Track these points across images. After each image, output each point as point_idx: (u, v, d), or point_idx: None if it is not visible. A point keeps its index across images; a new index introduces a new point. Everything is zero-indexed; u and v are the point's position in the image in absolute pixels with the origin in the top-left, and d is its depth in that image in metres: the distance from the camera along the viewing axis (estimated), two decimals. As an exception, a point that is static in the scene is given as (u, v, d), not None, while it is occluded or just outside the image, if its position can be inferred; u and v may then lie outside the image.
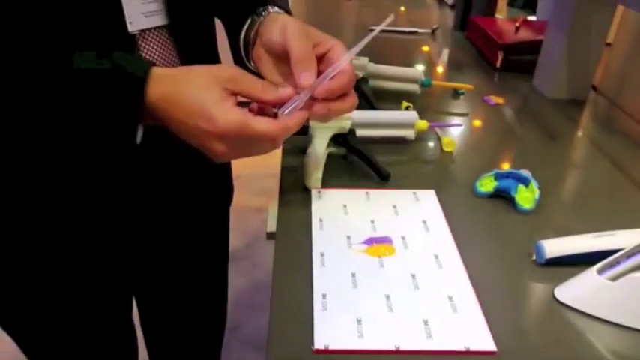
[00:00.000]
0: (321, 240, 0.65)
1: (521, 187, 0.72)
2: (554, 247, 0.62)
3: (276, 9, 0.62)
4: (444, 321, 0.55)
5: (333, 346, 0.51)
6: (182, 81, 0.52)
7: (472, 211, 0.72)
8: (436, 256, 0.63)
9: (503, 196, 0.73)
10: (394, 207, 0.71)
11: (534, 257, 0.63)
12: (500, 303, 0.57)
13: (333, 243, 0.64)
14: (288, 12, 0.63)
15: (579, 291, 0.57)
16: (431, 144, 0.90)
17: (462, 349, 0.52)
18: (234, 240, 1.33)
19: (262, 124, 0.51)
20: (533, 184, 0.72)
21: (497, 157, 0.89)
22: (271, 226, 0.70)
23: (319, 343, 0.51)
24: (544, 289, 0.59)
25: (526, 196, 0.71)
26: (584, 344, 0.53)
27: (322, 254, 0.62)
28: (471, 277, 0.60)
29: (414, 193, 0.74)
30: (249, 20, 0.62)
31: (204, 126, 0.50)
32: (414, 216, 0.70)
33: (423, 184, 0.77)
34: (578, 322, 0.56)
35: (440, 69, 1.28)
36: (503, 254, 0.64)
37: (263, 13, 0.61)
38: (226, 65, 0.54)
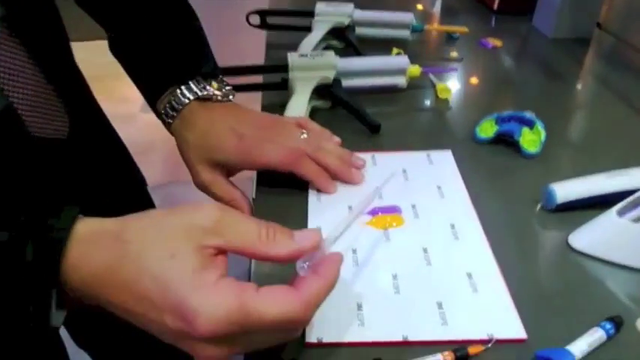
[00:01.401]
0: (318, 212, 0.56)
1: (525, 129, 0.66)
2: (565, 191, 0.56)
3: (206, 90, 0.56)
4: (461, 303, 0.46)
5: (327, 339, 0.43)
6: (131, 246, 0.35)
7: (473, 159, 0.65)
8: (452, 226, 0.54)
9: (505, 141, 0.68)
10: (404, 171, 0.62)
11: (543, 203, 0.58)
12: (511, 253, 0.52)
13: (331, 215, 0.55)
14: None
15: (597, 236, 0.52)
16: (425, 92, 0.83)
17: (485, 337, 0.43)
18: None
19: (274, 307, 0.34)
20: (539, 126, 0.67)
21: (497, 102, 0.82)
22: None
23: (311, 336, 0.43)
24: (556, 237, 0.54)
25: (531, 139, 0.66)
26: (602, 292, 0.48)
27: (319, 227, 0.54)
28: (493, 248, 0.51)
29: (428, 155, 0.65)
30: (167, 94, 0.56)
31: (176, 325, 0.33)
32: (427, 181, 0.60)
33: (417, 135, 0.71)
34: (596, 270, 0.51)
35: (432, 13, 1.18)
36: (509, 202, 0.59)
37: (185, 99, 0.56)
38: (204, 204, 0.37)
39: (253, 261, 0.49)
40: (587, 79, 0.91)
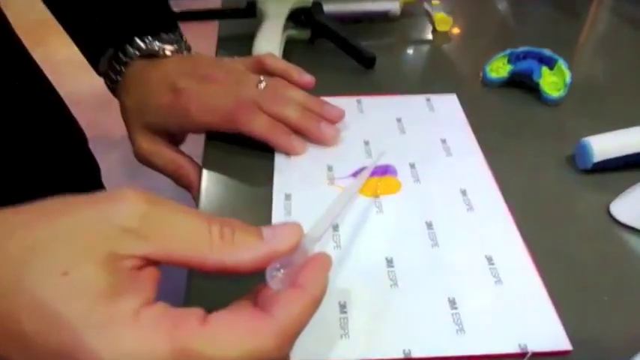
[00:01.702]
0: (288, 174, 0.43)
1: (545, 69, 0.54)
2: (604, 146, 0.44)
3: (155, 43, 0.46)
4: (482, 301, 0.34)
5: (302, 357, 0.30)
6: (8, 257, 0.22)
7: (482, 106, 0.53)
8: (463, 192, 0.41)
9: (521, 83, 0.55)
10: (399, 120, 0.48)
11: (576, 162, 0.46)
12: (539, 228, 0.40)
13: (305, 178, 0.42)
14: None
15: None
16: (422, 22, 0.69)
17: (516, 349, 0.31)
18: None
19: (230, 347, 0.23)
20: (562, 64, 0.54)
21: (506, 37, 0.68)
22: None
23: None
24: (594, 206, 0.42)
25: (553, 81, 0.54)
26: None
27: (288, 196, 0.40)
28: (517, 220, 0.39)
29: (428, 100, 0.51)
30: (108, 54, 0.46)
31: None
32: (429, 132, 0.47)
33: (413, 76, 0.58)
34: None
35: None
36: (531, 161, 0.46)
37: (127, 58, 0.46)
38: (126, 192, 0.25)
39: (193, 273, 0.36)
40: (610, 15, 0.77)
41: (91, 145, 0.67)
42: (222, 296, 0.27)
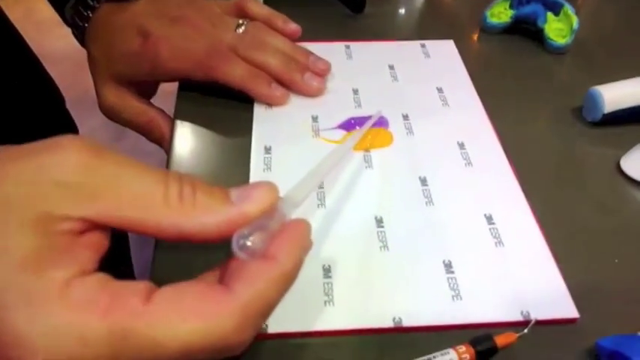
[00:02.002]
0: (268, 125, 0.38)
1: (550, 14, 0.50)
2: (615, 95, 0.40)
3: None
4: (481, 264, 0.30)
5: (276, 327, 0.27)
6: None
7: (482, 54, 0.49)
8: (461, 146, 0.37)
9: (524, 30, 0.51)
10: (391, 67, 0.44)
11: (584, 113, 0.42)
12: (543, 185, 0.36)
13: (287, 129, 0.38)
14: None
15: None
16: None
17: (518, 317, 0.28)
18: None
19: (180, 329, 0.19)
20: (568, 9, 0.50)
21: None
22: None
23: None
24: (603, 161, 0.39)
25: (558, 27, 0.50)
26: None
27: (268, 149, 0.36)
28: (520, 176, 0.35)
29: (423, 46, 0.47)
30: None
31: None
32: (424, 81, 0.43)
33: (405, 20, 0.53)
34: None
35: None
36: (535, 112, 0.43)
37: (93, 2, 0.41)
38: (66, 141, 0.21)
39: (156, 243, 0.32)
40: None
41: (72, 106, 0.63)
42: (195, 270, 0.23)
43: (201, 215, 0.21)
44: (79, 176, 0.20)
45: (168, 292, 0.20)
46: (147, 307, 0.19)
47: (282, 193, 0.24)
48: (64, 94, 0.61)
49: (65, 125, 0.63)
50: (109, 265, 0.21)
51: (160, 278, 0.21)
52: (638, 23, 0.54)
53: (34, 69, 0.58)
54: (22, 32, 0.55)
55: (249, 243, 0.21)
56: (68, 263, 0.19)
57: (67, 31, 0.44)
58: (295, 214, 0.31)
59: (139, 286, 0.19)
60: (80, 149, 0.20)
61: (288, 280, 0.22)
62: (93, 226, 0.20)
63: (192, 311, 0.19)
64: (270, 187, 0.23)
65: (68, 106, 0.62)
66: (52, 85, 0.61)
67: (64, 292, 0.18)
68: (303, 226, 0.24)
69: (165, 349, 0.18)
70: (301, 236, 0.23)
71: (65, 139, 0.21)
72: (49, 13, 0.45)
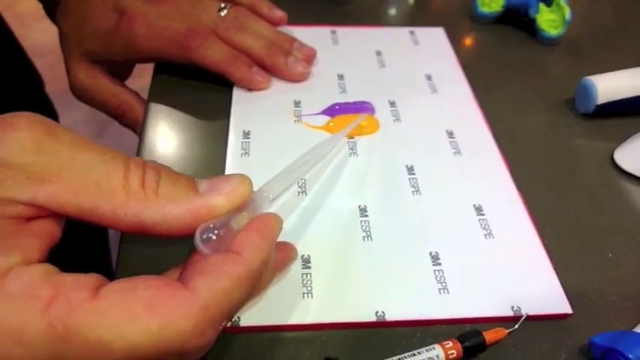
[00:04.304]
0: (247, 108, 0.36)
1: (542, 5, 0.49)
2: (608, 86, 0.39)
3: None
4: (469, 257, 0.29)
5: (249, 320, 0.25)
6: None
7: (473, 43, 0.47)
8: (450, 134, 0.36)
9: (516, 19, 0.50)
10: (378, 53, 0.42)
11: (576, 104, 0.41)
12: (535, 175, 0.35)
13: (267, 113, 0.36)
14: None
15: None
16: None
17: (508, 312, 0.26)
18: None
19: (129, 330, 0.17)
20: (561, 0, 0.48)
21: None
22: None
23: (221, 315, 0.25)
24: (596, 153, 0.37)
25: (551, 18, 0.49)
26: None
27: (246, 134, 0.34)
28: (511, 167, 0.34)
29: (412, 33, 0.45)
30: None
31: None
32: (412, 68, 0.41)
33: (394, 7, 0.50)
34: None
35: None
36: (526, 103, 0.41)
37: None
38: (16, 118, 0.19)
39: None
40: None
41: (53, 100, 0.60)
42: (166, 266, 0.21)
43: (163, 205, 0.19)
44: (29, 157, 0.18)
45: (118, 286, 0.18)
46: (93, 303, 0.17)
47: (258, 184, 0.23)
48: (44, 88, 0.59)
49: (44, 109, 0.60)
50: (86, 266, 0.19)
51: (126, 275, 0.19)
52: (631, 14, 0.53)
53: (12, 50, 0.55)
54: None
55: (213, 237, 0.19)
56: (9, 250, 0.17)
57: (50, 24, 0.42)
58: (273, 205, 0.29)
59: (87, 280, 0.17)
60: (32, 127, 0.18)
61: (253, 278, 0.20)
62: (43, 212, 0.18)
63: (143, 308, 0.17)
64: (243, 179, 0.21)
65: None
66: (31, 68, 0.58)
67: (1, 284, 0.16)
68: (274, 220, 0.22)
69: (110, 350, 0.16)
70: (270, 232, 0.21)
71: (16, 117, 0.18)
72: (31, 6, 0.43)
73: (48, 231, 0.19)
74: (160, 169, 0.20)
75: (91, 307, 0.16)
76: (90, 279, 0.17)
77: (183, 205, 0.19)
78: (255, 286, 0.20)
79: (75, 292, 0.17)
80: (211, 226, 0.20)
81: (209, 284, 0.18)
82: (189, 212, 0.19)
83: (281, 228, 0.22)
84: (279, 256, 0.25)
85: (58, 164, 0.18)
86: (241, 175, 0.21)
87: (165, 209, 0.19)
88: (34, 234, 0.18)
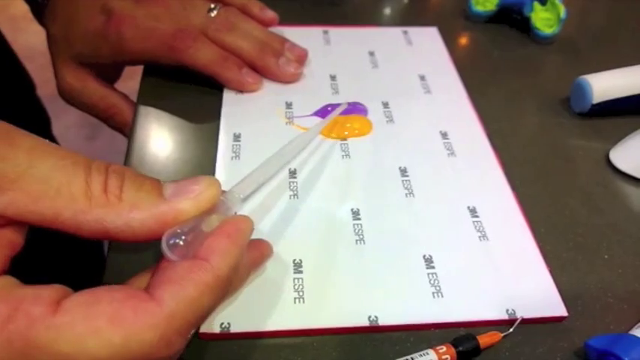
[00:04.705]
0: (238, 110, 0.36)
1: (536, 4, 0.48)
2: (604, 85, 0.39)
3: None
4: (463, 258, 0.28)
5: (239, 326, 0.25)
6: None
7: (466, 43, 0.47)
8: (444, 135, 0.35)
9: (510, 18, 0.49)
10: (371, 54, 0.42)
11: (571, 104, 0.40)
12: (530, 177, 0.35)
13: (259, 115, 0.36)
14: None
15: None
16: None
17: (503, 316, 0.26)
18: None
19: (91, 341, 0.17)
20: None
21: None
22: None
23: (211, 321, 0.24)
24: (591, 153, 0.37)
25: (546, 17, 0.49)
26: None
27: (237, 137, 0.34)
28: (505, 168, 0.33)
29: (405, 33, 0.44)
30: None
31: None
32: (405, 68, 0.41)
33: (384, 7, 0.50)
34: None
35: None
36: (520, 103, 0.41)
37: None
38: None
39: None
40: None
41: (47, 103, 0.60)
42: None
43: (127, 211, 0.19)
44: None
45: (80, 298, 0.17)
46: (54, 317, 0.16)
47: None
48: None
49: (35, 111, 0.60)
50: (81, 276, 0.19)
51: (114, 282, 0.19)
52: (626, 13, 0.53)
53: (4, 52, 0.55)
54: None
55: (180, 242, 0.19)
56: None
57: (43, 28, 0.41)
58: (260, 204, 0.29)
59: (48, 292, 0.17)
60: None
61: (221, 285, 0.19)
62: (2, 221, 0.18)
63: (105, 321, 0.16)
64: (211, 182, 0.21)
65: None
66: (22, 71, 0.58)
67: None
68: (244, 223, 0.21)
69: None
70: (240, 235, 0.20)
71: None
72: (23, 9, 0.43)
73: (8, 241, 0.18)
74: (125, 172, 0.20)
75: (52, 321, 0.16)
76: (51, 291, 0.17)
77: (147, 210, 0.19)
78: (224, 291, 0.20)
79: (35, 307, 0.16)
80: (178, 231, 0.19)
81: (175, 293, 0.18)
82: (154, 218, 0.19)
83: (252, 230, 0.22)
84: (255, 254, 0.25)
85: (17, 171, 0.18)
86: (209, 177, 0.21)
87: (129, 215, 0.19)
88: None
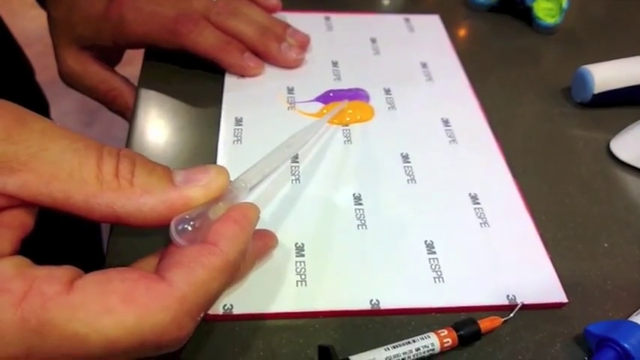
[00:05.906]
0: (239, 95, 0.36)
1: None
2: (605, 75, 0.38)
3: None
4: (464, 244, 0.28)
5: (242, 308, 0.25)
6: None
7: (468, 32, 0.47)
8: (445, 122, 0.35)
9: (512, 7, 0.49)
10: (373, 41, 0.42)
11: (573, 93, 0.40)
12: (531, 165, 0.34)
13: (260, 100, 0.35)
14: None
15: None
16: None
17: (503, 301, 0.26)
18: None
19: (105, 324, 0.17)
20: None
21: None
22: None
23: (216, 304, 0.24)
24: (592, 143, 0.37)
25: (548, 7, 0.48)
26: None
27: (239, 121, 0.34)
28: (507, 157, 0.33)
29: (407, 20, 0.44)
30: None
31: None
32: (407, 55, 0.41)
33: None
34: None
35: None
36: (522, 92, 0.40)
37: None
38: None
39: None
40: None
41: (45, 89, 0.59)
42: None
43: (138, 196, 0.19)
44: None
45: (94, 279, 0.17)
46: (68, 296, 0.16)
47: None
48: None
49: (35, 97, 0.59)
50: (78, 260, 0.19)
51: (116, 265, 0.19)
52: (628, 4, 0.53)
53: (2, 38, 0.54)
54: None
55: (189, 228, 0.19)
56: None
57: (40, 12, 0.41)
58: (262, 189, 0.29)
59: (61, 272, 0.17)
60: (1, 116, 0.18)
61: (230, 269, 0.19)
62: (14, 202, 0.18)
63: (118, 300, 0.16)
64: (220, 171, 0.21)
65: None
66: (21, 56, 0.57)
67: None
68: (251, 210, 0.21)
69: (86, 344, 0.16)
70: (247, 222, 0.21)
71: None
72: None
73: (20, 222, 0.18)
74: (135, 158, 0.20)
75: (66, 300, 0.16)
76: (64, 271, 0.17)
77: (158, 196, 0.19)
78: (232, 275, 0.20)
79: (49, 286, 0.16)
80: (187, 217, 0.19)
81: (186, 276, 0.18)
82: (164, 204, 0.19)
83: (258, 217, 0.22)
84: (259, 244, 0.25)
85: (29, 153, 0.17)
86: (218, 166, 0.21)
87: (139, 200, 0.19)
88: (6, 225, 0.18)
